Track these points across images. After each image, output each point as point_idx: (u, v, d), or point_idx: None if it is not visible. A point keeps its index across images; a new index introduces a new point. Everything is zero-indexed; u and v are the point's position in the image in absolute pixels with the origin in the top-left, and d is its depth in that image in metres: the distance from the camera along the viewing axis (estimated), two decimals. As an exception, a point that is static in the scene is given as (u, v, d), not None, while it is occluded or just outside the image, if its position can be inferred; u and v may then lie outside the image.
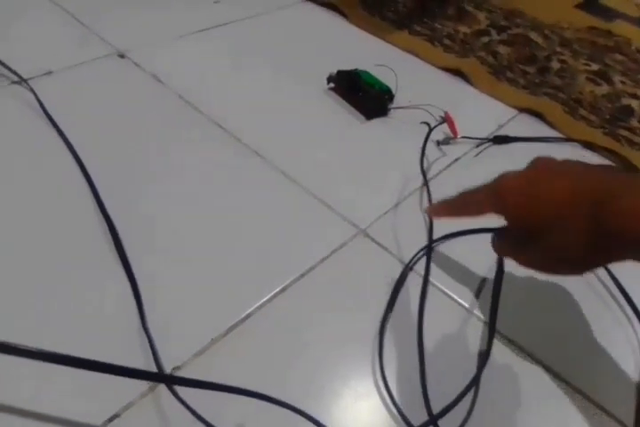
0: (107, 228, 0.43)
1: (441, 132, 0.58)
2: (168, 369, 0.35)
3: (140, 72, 0.61)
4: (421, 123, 0.57)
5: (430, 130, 0.56)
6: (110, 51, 0.63)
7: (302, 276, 0.43)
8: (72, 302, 0.38)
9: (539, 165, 0.33)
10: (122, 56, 0.63)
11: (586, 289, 0.45)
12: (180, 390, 0.34)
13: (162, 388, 0.34)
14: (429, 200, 0.50)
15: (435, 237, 0.47)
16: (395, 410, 0.35)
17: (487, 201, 0.34)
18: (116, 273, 0.40)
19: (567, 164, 0.32)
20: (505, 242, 0.36)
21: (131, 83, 0.59)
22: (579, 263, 0.31)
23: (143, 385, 0.34)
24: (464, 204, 0.37)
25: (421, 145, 0.55)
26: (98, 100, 0.56)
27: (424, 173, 0.52)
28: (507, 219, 0.34)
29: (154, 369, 0.35)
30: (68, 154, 0.48)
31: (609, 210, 0.28)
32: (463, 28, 0.81)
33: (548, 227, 0.31)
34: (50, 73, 0.58)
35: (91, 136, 0.51)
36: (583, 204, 0.29)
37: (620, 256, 0.30)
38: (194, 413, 0.33)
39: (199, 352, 0.37)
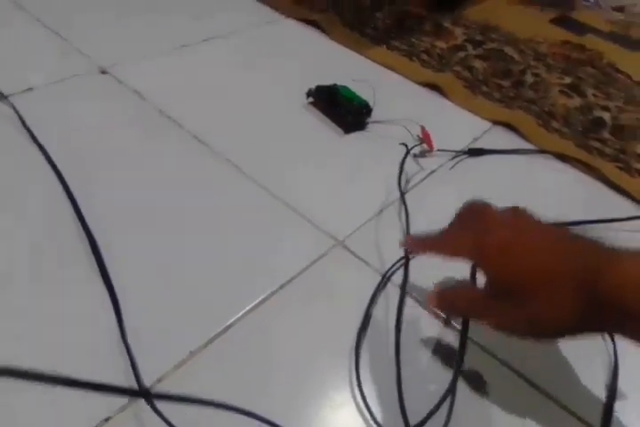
0: (87, 242, 0.43)
1: (415, 144, 0.59)
2: (149, 382, 0.36)
3: (121, 88, 0.61)
4: (400, 144, 0.58)
5: (408, 151, 0.57)
6: (92, 67, 0.64)
7: (281, 287, 0.44)
8: (50, 315, 0.38)
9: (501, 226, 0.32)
10: (103, 72, 0.63)
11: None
12: (160, 403, 0.34)
13: (141, 402, 0.34)
14: (406, 214, 0.51)
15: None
16: (372, 422, 0.36)
17: (466, 248, 0.34)
18: (95, 286, 0.41)
19: (525, 230, 0.32)
20: (476, 296, 0.35)
21: (112, 99, 0.60)
22: (565, 332, 0.31)
23: (123, 399, 0.34)
24: (442, 244, 0.36)
25: (398, 159, 0.56)
26: (79, 116, 0.56)
27: (401, 191, 0.53)
28: (486, 272, 0.34)
29: (133, 382, 0.35)
30: (49, 170, 0.49)
31: (603, 284, 0.28)
32: (440, 44, 0.83)
33: (532, 292, 0.30)
34: (31, 89, 0.58)
35: (72, 153, 0.51)
36: (566, 279, 0.29)
37: (616, 329, 0.30)
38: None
39: (179, 364, 0.37)
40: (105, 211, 0.46)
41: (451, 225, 0.36)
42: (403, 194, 0.53)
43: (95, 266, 0.42)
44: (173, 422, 0.33)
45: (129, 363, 0.36)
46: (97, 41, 0.69)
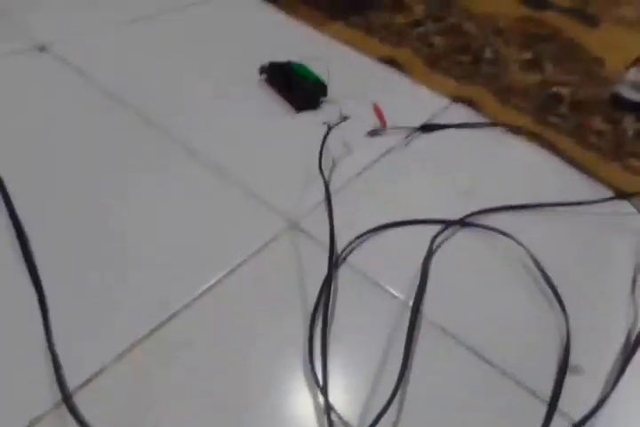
0: (15, 235, 0.41)
1: (371, 122, 0.57)
2: (79, 381, 0.34)
3: (63, 66, 0.58)
4: (323, 123, 0.56)
5: (329, 129, 0.54)
6: (29, 44, 0.60)
7: (232, 272, 0.42)
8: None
9: None
10: (42, 49, 0.60)
11: (513, 278, 0.46)
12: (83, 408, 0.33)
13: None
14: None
15: (368, 228, 0.47)
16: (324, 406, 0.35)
17: None
18: (21, 282, 0.39)
19: None
20: None
21: (52, 77, 0.56)
22: None
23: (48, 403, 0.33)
24: None
25: (349, 137, 0.55)
26: (16, 95, 0.53)
27: (322, 172, 0.51)
28: None
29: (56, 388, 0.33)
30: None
31: None
32: (399, 19, 0.81)
33: None
34: (-38, 68, 0.55)
35: (9, 135, 0.48)
36: None
37: None
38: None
39: (123, 353, 0.35)
40: (36, 196, 0.44)
41: None
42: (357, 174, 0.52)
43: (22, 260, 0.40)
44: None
45: (52, 367, 0.34)
46: (35, 18, 0.65)
